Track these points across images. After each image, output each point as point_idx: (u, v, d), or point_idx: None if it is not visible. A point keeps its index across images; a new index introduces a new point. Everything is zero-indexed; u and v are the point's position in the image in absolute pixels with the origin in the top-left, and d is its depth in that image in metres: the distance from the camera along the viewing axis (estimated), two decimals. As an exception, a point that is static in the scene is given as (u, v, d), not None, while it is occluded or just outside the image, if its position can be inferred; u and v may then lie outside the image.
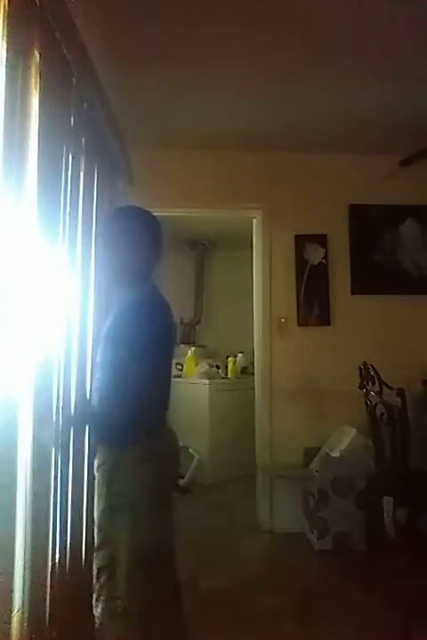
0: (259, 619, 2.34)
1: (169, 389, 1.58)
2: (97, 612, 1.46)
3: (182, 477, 4.32)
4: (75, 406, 1.67)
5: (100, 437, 1.57)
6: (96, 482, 1.51)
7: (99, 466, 1.51)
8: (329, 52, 2.39)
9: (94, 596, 1.47)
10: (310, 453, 3.37)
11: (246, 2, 2.06)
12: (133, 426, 1.43)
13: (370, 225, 3.60)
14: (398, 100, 2.82)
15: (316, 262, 3.58)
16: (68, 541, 1.99)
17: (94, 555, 1.49)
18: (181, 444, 4.83)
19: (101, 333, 1.60)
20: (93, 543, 1.53)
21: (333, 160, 3.58)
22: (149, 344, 1.42)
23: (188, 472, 4.33)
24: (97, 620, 1.46)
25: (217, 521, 3.58)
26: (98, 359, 1.59)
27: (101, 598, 1.45)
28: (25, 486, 1.57)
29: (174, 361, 1.66)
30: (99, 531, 1.48)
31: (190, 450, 4.47)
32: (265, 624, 2.29)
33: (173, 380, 1.63)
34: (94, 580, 1.48)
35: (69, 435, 1.86)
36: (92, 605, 1.49)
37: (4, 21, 1.39)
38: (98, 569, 1.47)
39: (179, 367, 5.01)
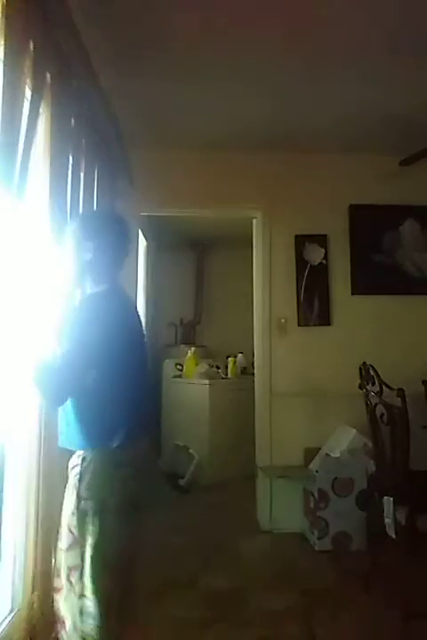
0: (259, 619, 2.34)
1: (125, 393, 1.54)
2: (64, 610, 1.50)
3: (182, 477, 4.32)
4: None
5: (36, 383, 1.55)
6: (67, 484, 1.54)
7: (71, 469, 1.54)
8: (330, 52, 2.39)
9: (63, 595, 1.51)
10: (310, 453, 3.37)
11: (247, 3, 2.06)
12: (54, 393, 1.47)
13: (370, 225, 3.60)
14: (398, 100, 2.82)
15: (316, 262, 3.58)
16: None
17: (64, 555, 1.52)
18: (181, 443, 4.84)
19: None
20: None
21: (333, 160, 3.58)
22: (80, 336, 1.46)
23: (188, 472, 4.33)
24: (64, 618, 1.50)
25: (217, 521, 3.57)
26: None
27: (71, 596, 1.49)
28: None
29: (133, 365, 1.62)
30: (69, 532, 1.51)
31: (190, 450, 4.47)
32: (265, 624, 2.29)
33: (138, 385, 1.61)
34: (64, 579, 1.51)
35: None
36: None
37: (2, 21, 1.39)
38: (68, 569, 1.50)
39: (179, 367, 5.01)
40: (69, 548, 1.51)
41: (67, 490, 1.53)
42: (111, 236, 1.63)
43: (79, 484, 1.49)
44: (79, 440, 1.52)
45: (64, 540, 1.52)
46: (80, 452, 1.52)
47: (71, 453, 1.56)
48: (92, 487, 1.49)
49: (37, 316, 1.75)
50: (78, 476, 1.49)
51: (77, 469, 1.50)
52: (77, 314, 1.55)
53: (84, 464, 1.50)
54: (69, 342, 1.47)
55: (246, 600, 2.50)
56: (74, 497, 1.49)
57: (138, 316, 1.73)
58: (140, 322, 1.75)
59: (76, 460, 1.52)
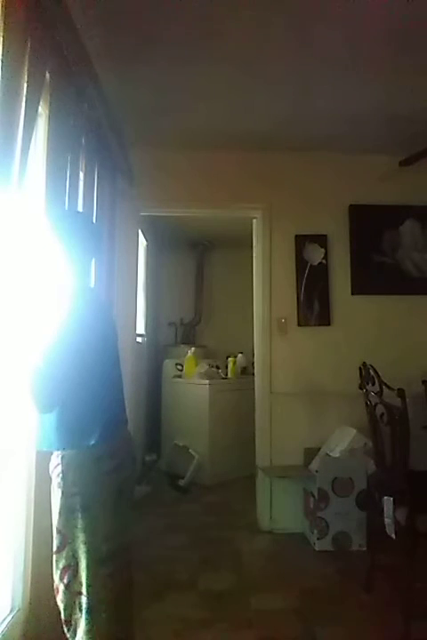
0: (259, 619, 2.34)
1: (98, 391, 1.55)
2: (62, 608, 1.51)
3: (182, 477, 4.32)
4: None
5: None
6: (51, 485, 1.54)
7: (52, 470, 1.54)
8: (329, 52, 2.39)
9: (60, 597, 1.52)
10: (310, 453, 3.37)
11: (245, 3, 2.06)
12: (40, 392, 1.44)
13: (370, 225, 3.59)
14: (398, 100, 2.82)
15: (316, 262, 3.58)
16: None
17: (56, 557, 1.52)
18: (181, 443, 4.85)
19: None
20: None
21: (333, 160, 3.58)
22: (57, 339, 1.46)
23: (188, 472, 4.34)
24: (63, 617, 1.51)
25: (217, 521, 3.57)
26: None
27: (68, 595, 1.50)
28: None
29: (105, 363, 1.61)
30: (57, 533, 1.51)
31: (190, 450, 4.47)
32: (265, 624, 2.29)
33: (107, 381, 1.61)
34: (58, 580, 1.51)
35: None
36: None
37: (1, 20, 1.39)
38: (61, 569, 1.51)
39: (179, 367, 5.01)
40: (58, 549, 1.51)
41: (52, 491, 1.53)
42: (77, 238, 1.63)
43: (64, 482, 1.49)
44: (56, 441, 1.51)
45: (54, 543, 1.52)
46: (59, 452, 1.52)
47: (50, 455, 1.56)
48: (78, 483, 1.49)
49: (31, 318, 1.75)
50: (61, 475, 1.50)
51: (59, 468, 1.50)
52: (53, 316, 1.54)
53: (65, 462, 1.50)
54: (49, 345, 1.46)
55: (246, 600, 2.50)
56: (59, 496, 1.50)
57: (108, 313, 1.74)
58: (111, 319, 1.76)
59: (56, 460, 1.52)
